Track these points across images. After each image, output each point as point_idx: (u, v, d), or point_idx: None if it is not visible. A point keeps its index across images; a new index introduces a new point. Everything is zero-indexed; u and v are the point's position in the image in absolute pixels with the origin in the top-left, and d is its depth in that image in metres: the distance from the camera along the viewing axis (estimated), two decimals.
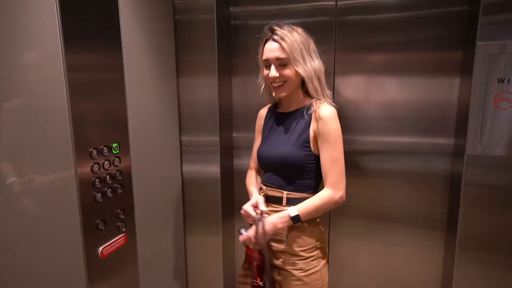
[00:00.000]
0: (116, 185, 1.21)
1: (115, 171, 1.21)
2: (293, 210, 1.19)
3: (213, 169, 1.76)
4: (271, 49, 1.19)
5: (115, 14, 1.21)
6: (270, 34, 1.20)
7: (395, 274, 1.74)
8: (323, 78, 1.23)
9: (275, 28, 1.19)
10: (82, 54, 1.07)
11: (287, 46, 1.15)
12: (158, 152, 1.59)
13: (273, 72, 1.19)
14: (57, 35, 0.99)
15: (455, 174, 1.51)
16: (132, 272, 1.34)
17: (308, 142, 1.20)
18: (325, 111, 1.17)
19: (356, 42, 1.60)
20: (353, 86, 1.63)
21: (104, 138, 1.17)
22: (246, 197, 1.40)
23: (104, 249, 1.16)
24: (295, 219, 1.18)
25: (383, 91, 1.60)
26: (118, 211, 1.22)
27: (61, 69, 1.00)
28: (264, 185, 1.34)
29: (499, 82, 1.25)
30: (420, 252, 1.67)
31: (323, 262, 1.30)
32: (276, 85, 1.21)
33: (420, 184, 1.62)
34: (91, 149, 1.11)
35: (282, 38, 1.16)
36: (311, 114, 1.21)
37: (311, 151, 1.21)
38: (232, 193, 1.93)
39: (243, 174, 1.94)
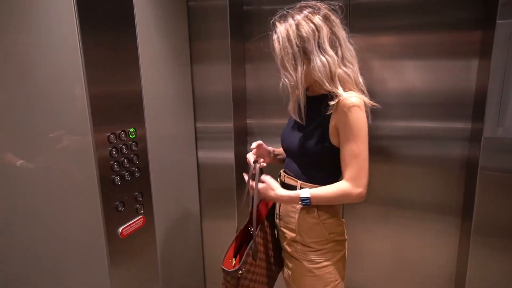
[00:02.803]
0: (133, 168, 1.24)
1: (132, 155, 1.24)
2: (305, 192, 1.13)
3: (228, 155, 1.78)
4: (271, 42, 1.14)
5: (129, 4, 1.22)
6: (272, 27, 1.14)
7: (409, 260, 1.73)
8: (324, 76, 1.07)
9: (276, 22, 1.12)
10: (97, 40, 1.09)
11: (277, 47, 1.10)
12: (174, 138, 1.62)
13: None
14: (74, 22, 1.01)
15: (471, 159, 1.48)
16: (151, 253, 1.38)
17: (327, 134, 1.11)
18: (347, 102, 1.05)
19: (370, 25, 1.56)
20: (368, 70, 1.60)
21: (121, 123, 1.20)
22: None
23: (124, 230, 1.20)
24: (305, 201, 1.13)
25: (398, 74, 1.57)
26: (136, 193, 1.26)
27: (79, 56, 1.03)
28: (283, 171, 1.32)
29: None
30: (436, 237, 1.66)
31: (339, 256, 1.23)
32: None
33: (437, 169, 1.59)
34: (109, 134, 1.15)
35: (276, 35, 1.10)
36: (334, 104, 1.08)
37: (329, 143, 1.12)
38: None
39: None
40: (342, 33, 1.10)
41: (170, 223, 1.58)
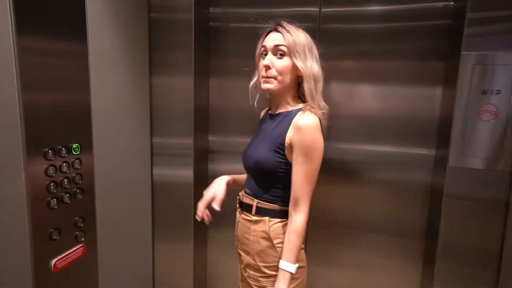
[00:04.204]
0: (75, 189, 1.07)
1: (74, 174, 1.07)
2: (291, 267, 1.05)
3: (186, 173, 1.65)
4: (271, 38, 1.10)
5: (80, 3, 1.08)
6: (274, 26, 1.11)
7: (372, 285, 1.67)
8: (319, 86, 1.11)
9: (282, 22, 1.10)
10: (37, 40, 0.94)
11: (290, 38, 1.07)
12: (126, 154, 1.45)
13: (267, 60, 1.09)
14: (8, 23, 0.85)
15: (435, 185, 1.48)
16: (91, 286, 1.19)
17: (283, 149, 1.08)
18: (303, 120, 1.03)
19: (338, 50, 1.55)
20: (334, 94, 1.58)
21: (63, 137, 1.04)
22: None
23: (57, 262, 1.02)
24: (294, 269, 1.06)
25: (363, 100, 1.56)
26: (77, 218, 1.09)
27: (12, 55, 0.86)
28: (243, 189, 1.26)
29: (482, 94, 1.21)
30: (399, 262, 1.62)
31: (294, 284, 1.11)
32: (265, 77, 1.10)
33: (401, 194, 1.57)
34: (46, 149, 0.98)
35: (287, 30, 1.08)
36: (291, 120, 1.08)
37: (285, 158, 1.09)
38: None
39: None
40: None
41: (117, 248, 1.40)
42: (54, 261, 1.00)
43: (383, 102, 1.53)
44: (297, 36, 1.07)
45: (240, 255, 1.24)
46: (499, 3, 1.21)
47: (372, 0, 1.48)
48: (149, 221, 1.68)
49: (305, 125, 1.02)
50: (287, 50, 1.07)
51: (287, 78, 1.10)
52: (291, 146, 1.07)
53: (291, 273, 1.05)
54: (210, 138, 1.79)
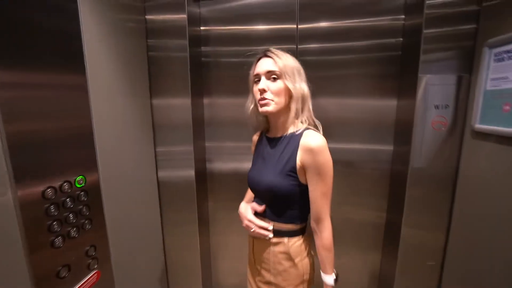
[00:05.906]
0: (82, 221, 0.74)
1: (80, 207, 0.73)
2: (330, 279, 0.84)
3: (189, 173, 1.35)
4: (263, 64, 0.84)
5: (76, 38, 0.70)
6: (264, 53, 0.86)
7: None
8: (308, 105, 0.87)
9: (270, 48, 0.86)
10: (29, 74, 0.56)
11: (280, 62, 0.82)
12: (132, 163, 1.10)
13: (262, 84, 0.83)
14: None
15: (394, 170, 1.26)
16: None
17: (295, 172, 0.82)
18: (315, 142, 0.79)
19: (313, 75, 1.22)
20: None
21: (64, 172, 0.68)
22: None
23: None
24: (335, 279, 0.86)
25: (329, 110, 1.30)
26: (88, 248, 0.75)
27: None
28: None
29: (435, 108, 1.01)
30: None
31: None
32: (263, 101, 0.83)
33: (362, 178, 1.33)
34: (45, 189, 0.62)
35: (276, 55, 0.83)
36: (298, 142, 0.82)
37: (298, 181, 0.83)
38: (205, 191, 1.53)
39: (214, 175, 1.52)
40: None
41: (132, 264, 1.07)
42: None
43: (346, 113, 1.28)
44: (287, 60, 0.83)
45: (256, 269, 0.95)
46: (445, 39, 1.00)
47: (336, 38, 1.21)
48: (159, 227, 1.36)
49: (316, 146, 0.78)
50: (279, 73, 0.82)
51: (283, 100, 0.84)
52: (303, 167, 0.82)
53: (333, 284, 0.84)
54: (206, 144, 1.48)
